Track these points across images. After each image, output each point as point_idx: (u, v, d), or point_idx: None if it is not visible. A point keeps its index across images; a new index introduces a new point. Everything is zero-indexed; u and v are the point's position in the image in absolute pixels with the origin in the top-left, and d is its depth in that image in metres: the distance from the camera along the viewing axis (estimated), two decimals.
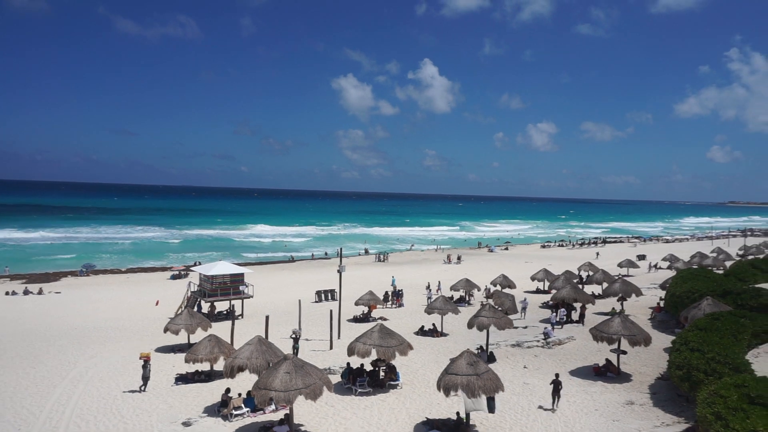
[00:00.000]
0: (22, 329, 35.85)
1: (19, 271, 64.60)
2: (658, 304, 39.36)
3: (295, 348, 28.95)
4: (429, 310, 35.10)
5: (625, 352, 25.81)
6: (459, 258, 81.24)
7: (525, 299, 38.59)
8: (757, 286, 35.64)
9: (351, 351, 23.74)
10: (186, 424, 19.76)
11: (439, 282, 53.69)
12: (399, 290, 47.69)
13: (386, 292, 46.43)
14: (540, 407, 20.86)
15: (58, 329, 35.98)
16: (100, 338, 33.63)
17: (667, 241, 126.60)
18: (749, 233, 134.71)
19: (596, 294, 45.49)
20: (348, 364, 24.50)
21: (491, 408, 19.11)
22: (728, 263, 62.02)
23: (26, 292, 50.70)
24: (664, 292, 41.24)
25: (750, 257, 67.48)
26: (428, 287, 50.81)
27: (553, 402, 20.72)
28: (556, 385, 20.80)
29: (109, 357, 29.09)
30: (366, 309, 40.82)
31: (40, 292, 51.01)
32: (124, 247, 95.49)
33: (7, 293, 50.44)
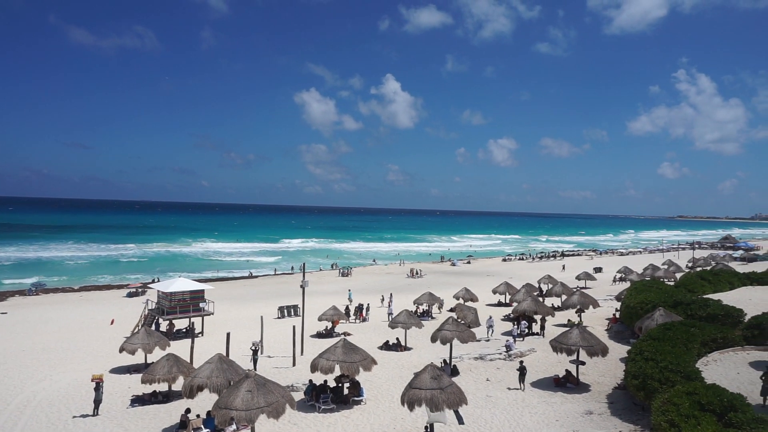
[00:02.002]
0: None
1: None
2: (614, 315, 40.54)
3: (254, 359, 29.09)
4: (393, 324, 35.08)
5: (583, 363, 26.42)
6: (419, 272, 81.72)
7: (491, 317, 38.63)
8: (705, 296, 37.29)
9: (314, 367, 23.47)
10: None
11: (391, 294, 54.43)
12: (362, 305, 47.50)
13: (346, 307, 46.12)
14: (508, 388, 24.69)
15: (2, 352, 34.14)
16: (49, 360, 32.10)
17: (622, 254, 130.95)
18: (697, 246, 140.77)
19: (556, 306, 46.52)
20: (311, 380, 24.20)
21: (460, 419, 19.29)
22: (678, 275, 64.60)
23: None
24: (619, 304, 42.53)
25: (698, 269, 70.49)
26: (382, 299, 51.90)
27: (520, 383, 24.76)
28: (522, 371, 24.92)
29: (59, 380, 27.80)
30: (329, 324, 40.49)
31: None
32: (78, 265, 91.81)
33: None
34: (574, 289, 50.15)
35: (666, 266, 75.34)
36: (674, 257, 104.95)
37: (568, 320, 40.71)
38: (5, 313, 49.18)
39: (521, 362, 26.33)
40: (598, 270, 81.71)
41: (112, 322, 43.81)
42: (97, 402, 22.49)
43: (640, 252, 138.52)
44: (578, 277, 65.79)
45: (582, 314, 42.01)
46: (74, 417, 22.20)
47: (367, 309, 46.66)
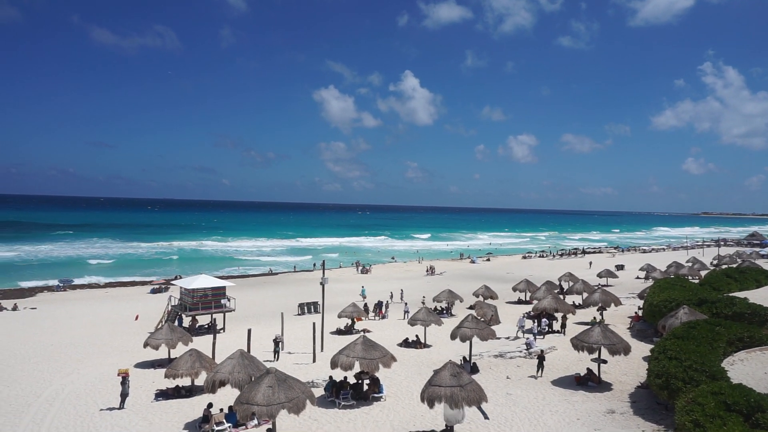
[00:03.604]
0: None
1: None
2: (637, 313, 39.98)
3: (277, 352, 30.38)
4: (412, 321, 35.14)
5: (605, 362, 26.14)
6: (432, 269, 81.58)
7: (523, 317, 37.53)
8: (731, 295, 36.51)
9: (334, 364, 23.64)
10: None
11: (402, 290, 54.82)
12: (382, 302, 47.62)
13: (365, 304, 46.44)
14: (531, 376, 25.95)
15: (32, 346, 35.13)
16: (77, 354, 32.92)
17: (644, 251, 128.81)
18: (722, 243, 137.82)
19: (577, 304, 46.04)
20: (331, 377, 24.38)
21: (485, 415, 19.37)
22: (703, 273, 63.38)
23: (0, 308, 49.42)
24: (642, 302, 41.93)
25: (724, 267, 69.02)
26: (391, 296, 52.72)
27: (537, 371, 26.23)
28: (541, 359, 26.40)
29: (86, 374, 28.49)
30: (349, 321, 40.70)
31: (14, 308, 49.77)
32: (103, 262, 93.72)
33: None
34: (596, 287, 49.55)
35: (690, 264, 73.92)
36: (699, 254, 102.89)
37: (593, 318, 40.25)
38: (35, 308, 50.54)
39: (541, 350, 27.91)
40: (620, 267, 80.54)
41: (136, 318, 44.70)
42: (124, 395, 23.00)
43: (664, 249, 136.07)
44: (600, 275, 64.96)
45: (604, 312, 41.51)
46: (101, 410, 22.73)
47: (386, 306, 46.78)
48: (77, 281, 69.43)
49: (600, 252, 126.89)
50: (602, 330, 25.45)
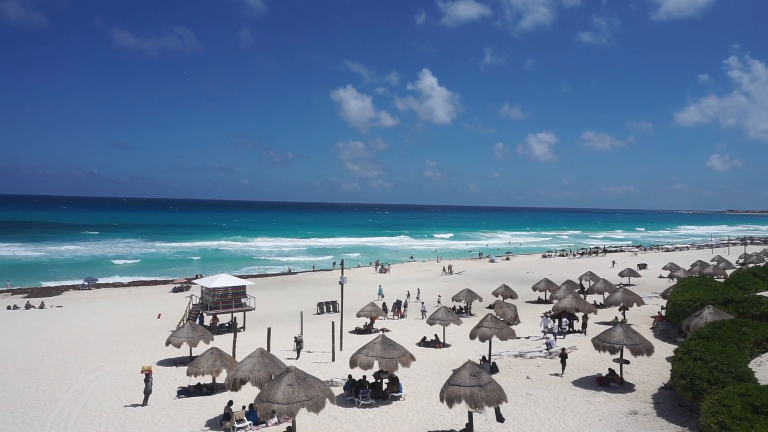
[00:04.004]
0: (24, 343, 35.81)
1: (20, 285, 64.56)
2: (660, 313, 39.31)
3: (298, 350, 31.25)
4: (431, 321, 35.07)
5: (627, 362, 25.76)
6: (450, 268, 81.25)
7: (549, 318, 36.85)
8: (758, 294, 35.63)
9: (353, 363, 23.71)
10: None
11: (418, 289, 54.72)
12: (400, 301, 47.63)
13: (384, 303, 46.55)
14: (554, 374, 25.99)
15: (59, 343, 35.94)
16: (102, 352, 33.58)
17: (668, 250, 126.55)
18: (749, 241, 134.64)
19: (598, 303, 45.45)
20: (350, 375, 24.46)
21: (500, 417, 19.12)
22: (729, 272, 61.97)
23: (28, 306, 50.68)
24: (665, 301, 41.20)
25: (750, 265, 67.44)
26: (408, 295, 52.82)
27: (562, 369, 26.15)
28: (563, 357, 26.44)
29: (111, 371, 29.05)
30: (368, 320, 40.78)
31: (41, 306, 50.97)
32: (127, 262, 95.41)
33: (8, 307, 50.41)
34: (618, 286, 48.85)
35: (715, 263, 72.38)
36: (724, 253, 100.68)
37: (615, 318, 39.69)
38: (61, 306, 51.69)
39: (563, 349, 27.60)
40: (643, 266, 79.26)
41: (159, 316, 45.42)
42: (147, 392, 23.39)
43: (687, 248, 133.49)
44: (621, 274, 64.02)
45: (626, 312, 40.91)
46: (125, 406, 23.16)
47: (405, 305, 46.76)
48: (102, 280, 70.81)
49: (622, 251, 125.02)
50: (624, 330, 25.08)
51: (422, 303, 47.49)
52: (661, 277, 68.37)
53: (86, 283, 65.59)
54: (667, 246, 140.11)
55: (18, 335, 38.50)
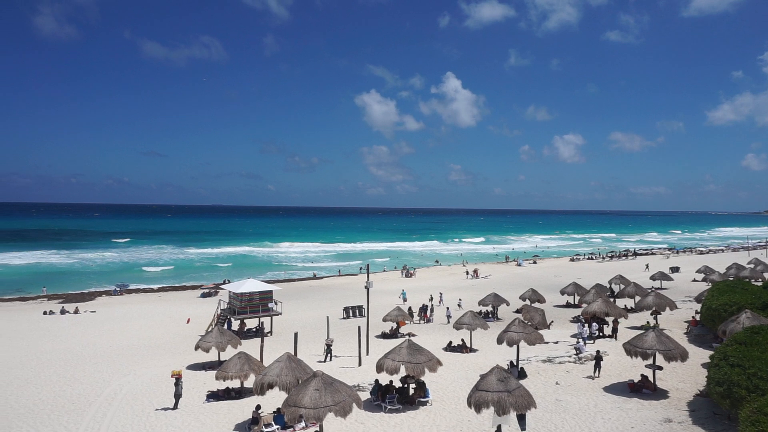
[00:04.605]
0: (59, 348, 36.81)
1: (55, 291, 66.46)
2: (694, 317, 38.24)
3: (328, 353, 31.84)
4: (457, 325, 34.81)
5: (660, 368, 25.10)
6: (476, 272, 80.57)
7: (584, 323, 36.20)
8: None
9: (380, 367, 23.67)
10: None
11: (441, 294, 55.12)
12: (426, 305, 47.45)
13: (410, 307, 46.43)
14: (588, 377, 26.16)
15: (93, 347, 36.84)
16: (133, 356, 34.29)
17: (701, 253, 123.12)
18: None
19: (629, 308, 44.46)
20: (377, 380, 24.42)
21: (522, 425, 18.75)
22: (767, 275, 59.94)
23: (63, 312, 52.11)
24: (699, 305, 40.07)
25: None
26: (431, 298, 52.49)
27: (595, 370, 26.40)
28: (598, 359, 26.57)
29: (142, 375, 29.62)
30: (394, 325, 40.71)
31: (76, 312, 52.35)
32: (156, 267, 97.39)
33: (44, 313, 51.91)
34: (649, 290, 47.70)
35: (752, 265, 70.04)
36: (762, 255, 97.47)
37: (646, 322, 38.78)
38: (94, 311, 53.00)
39: (597, 351, 27.65)
40: (675, 270, 77.19)
41: (188, 321, 46.18)
42: (177, 396, 23.77)
43: (722, 250, 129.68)
44: (653, 278, 62.50)
45: (658, 316, 39.92)
46: (156, 410, 23.56)
47: (431, 310, 46.55)
48: (133, 286, 72.35)
49: (653, 253, 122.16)
50: (657, 335, 24.46)
51: (447, 308, 47.24)
52: (694, 280, 66.54)
53: (118, 289, 67.12)
54: (701, 248, 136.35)
55: (54, 340, 39.60)
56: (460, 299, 53.06)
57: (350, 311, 48.35)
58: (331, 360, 31.84)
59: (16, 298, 62.98)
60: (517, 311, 44.52)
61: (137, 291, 69.28)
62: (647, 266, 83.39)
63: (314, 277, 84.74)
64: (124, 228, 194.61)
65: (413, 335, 37.77)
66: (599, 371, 26.39)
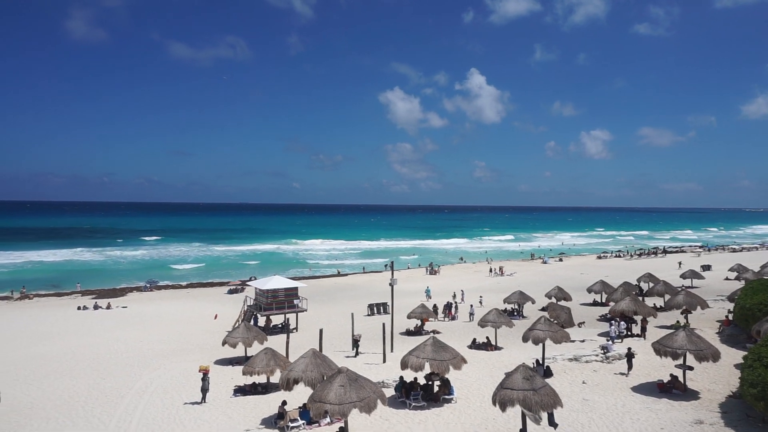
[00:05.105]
0: (93, 342, 37.88)
1: (89, 287, 68.35)
2: (727, 317, 37.25)
3: (356, 348, 32.64)
4: (482, 323, 34.64)
5: (691, 368, 24.55)
6: (502, 270, 79.86)
7: (619, 323, 35.52)
8: None
9: (404, 364, 23.73)
10: None
11: (462, 291, 54.97)
12: (451, 303, 47.33)
13: (434, 305, 46.40)
14: (619, 373, 26.15)
15: (124, 342, 37.82)
16: (162, 351, 35.09)
17: (734, 251, 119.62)
18: None
19: (658, 306, 43.56)
20: (401, 377, 24.49)
21: (552, 423, 18.63)
22: None
23: (96, 307, 53.58)
24: (732, 305, 39.01)
25: None
26: (454, 296, 52.50)
27: (628, 369, 26.31)
28: (630, 357, 26.52)
29: (171, 369, 30.30)
30: (418, 322, 40.72)
31: (108, 307, 53.77)
32: (185, 264, 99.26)
33: (78, 308, 53.47)
34: (679, 288, 46.62)
35: None
36: None
37: (677, 321, 37.95)
38: (125, 307, 54.36)
39: (629, 348, 27.63)
40: (707, 268, 75.23)
41: (215, 317, 47.01)
42: (204, 391, 24.25)
43: (757, 248, 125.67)
44: (683, 276, 61.00)
45: (688, 315, 39.02)
46: (185, 404, 24.10)
47: (455, 307, 46.41)
48: (162, 282, 73.92)
49: (683, 251, 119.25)
50: (688, 334, 23.93)
51: (471, 305, 47.04)
52: (727, 279, 64.76)
53: (148, 285, 68.66)
54: (734, 246, 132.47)
55: (88, 334, 40.77)
56: (481, 296, 52.79)
57: (375, 308, 48.53)
58: (358, 354, 32.29)
59: (52, 293, 65.02)
60: (543, 309, 44.03)
61: (166, 287, 70.73)
62: (680, 264, 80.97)
63: (339, 275, 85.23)
64: (153, 226, 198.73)
65: (438, 332, 37.73)
66: (631, 369, 26.21)
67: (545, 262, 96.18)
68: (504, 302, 45.84)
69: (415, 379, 24.15)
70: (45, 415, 23.13)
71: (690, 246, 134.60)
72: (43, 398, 25.41)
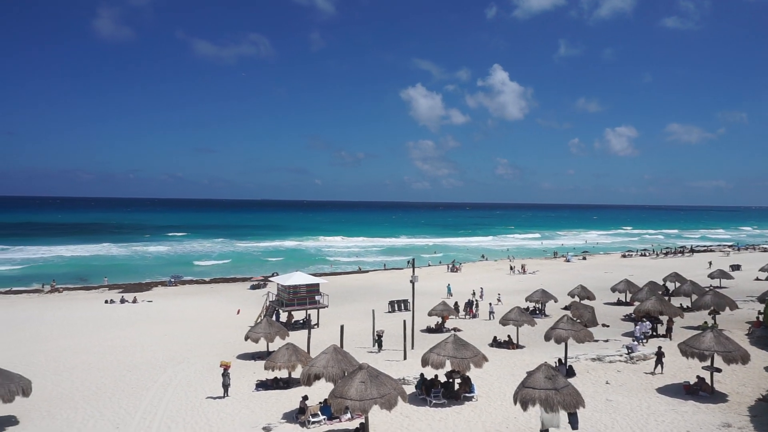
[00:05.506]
0: (119, 335, 38.74)
1: (116, 281, 69.89)
2: (758, 318, 36.28)
3: (379, 342, 33.20)
4: (504, 321, 34.40)
5: (719, 370, 23.99)
6: (524, 268, 79.09)
7: (645, 323, 35.03)
8: None
9: (425, 362, 23.72)
10: (266, 429, 20.54)
11: (482, 289, 54.73)
12: (472, 300, 47.09)
13: (455, 303, 46.22)
14: (648, 372, 26.01)
15: (149, 336, 38.57)
16: (186, 344, 35.69)
17: (765, 250, 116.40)
18: None
19: (685, 307, 42.67)
20: (422, 374, 24.49)
21: (574, 424, 18.39)
22: None
23: (122, 301, 54.76)
24: (762, 306, 37.98)
25: None
26: (473, 294, 52.31)
27: (655, 368, 26.11)
28: (659, 355, 26.20)
29: (195, 363, 30.81)
30: (439, 319, 40.63)
31: (134, 301, 54.90)
32: (208, 260, 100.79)
33: (105, 302, 54.72)
34: (707, 289, 45.56)
35: None
36: None
37: (704, 322, 37.13)
38: (151, 301, 55.44)
39: (659, 347, 27.23)
40: (736, 268, 73.33)
41: (238, 312, 47.62)
42: (226, 386, 24.60)
43: None
44: (712, 276, 59.60)
45: (716, 316, 38.12)
46: (207, 398, 24.49)
47: (476, 305, 46.16)
48: (186, 277, 75.14)
49: (711, 250, 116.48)
50: (716, 335, 23.39)
51: (490, 303, 46.74)
52: (757, 279, 63.09)
53: (173, 280, 69.87)
54: (765, 245, 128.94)
55: (114, 327, 41.69)
56: (499, 294, 52.40)
57: (395, 305, 48.57)
58: (381, 350, 32.56)
59: (80, 287, 66.69)
60: (566, 308, 43.50)
61: (190, 282, 71.88)
62: (710, 263, 78.80)
63: (359, 271, 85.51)
64: (177, 222, 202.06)
65: (458, 330, 37.59)
66: (662, 368, 26.05)
67: (568, 261, 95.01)
68: (526, 300, 45.41)
69: (436, 376, 24.11)
70: (74, 405, 23.76)
71: (718, 245, 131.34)
72: (72, 389, 26.10)
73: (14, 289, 63.06)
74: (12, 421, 21.71)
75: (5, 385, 20.55)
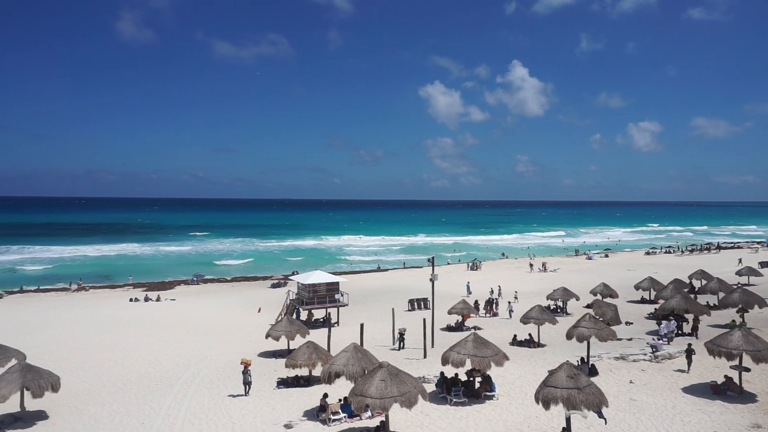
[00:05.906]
0: (144, 333, 39.40)
1: (140, 279, 71.16)
2: None
3: (401, 341, 33.19)
4: (525, 319, 34.12)
5: (748, 370, 23.43)
6: (545, 266, 78.25)
7: (671, 321, 34.70)
8: None
9: (445, 360, 23.65)
10: (288, 426, 20.71)
11: (499, 287, 54.10)
12: (493, 299, 46.79)
13: (476, 301, 45.96)
14: (678, 370, 25.88)
15: (173, 334, 39.17)
16: (209, 342, 36.14)
17: None
18: None
19: (711, 305, 41.76)
20: (442, 373, 24.41)
21: (603, 418, 18.25)
22: None
23: (146, 299, 55.73)
24: None
25: None
26: (492, 292, 52.02)
27: (688, 366, 25.92)
28: (689, 352, 26.11)
29: (217, 360, 31.20)
30: (459, 318, 40.46)
31: (158, 299, 55.82)
32: (230, 259, 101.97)
33: (130, 300, 55.76)
34: (735, 286, 44.52)
35: None
36: None
37: (732, 321, 36.29)
38: (174, 299, 56.31)
39: (689, 344, 27.11)
40: (765, 265, 71.53)
41: (259, 311, 48.07)
42: (247, 384, 24.83)
43: None
44: (740, 273, 58.20)
45: (745, 315, 37.23)
46: (229, 395, 24.78)
47: (496, 304, 45.86)
48: (208, 276, 76.15)
49: (739, 247, 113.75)
50: (744, 334, 22.86)
51: (509, 302, 46.33)
52: None
53: (195, 279, 70.87)
54: None
55: (138, 325, 42.43)
56: (516, 292, 51.92)
57: (415, 303, 48.51)
58: (403, 348, 32.73)
59: (106, 285, 68.12)
60: (588, 306, 42.93)
61: (212, 281, 72.83)
62: (740, 261, 76.70)
63: (379, 270, 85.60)
64: (199, 221, 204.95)
65: (479, 329, 37.39)
66: (690, 365, 25.91)
67: (590, 258, 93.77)
68: (547, 299, 44.97)
69: (456, 375, 24.02)
70: (101, 401, 24.26)
71: (746, 241, 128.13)
72: (99, 385, 26.65)
73: (42, 287, 64.71)
74: (42, 416, 22.27)
75: (35, 381, 21.13)
